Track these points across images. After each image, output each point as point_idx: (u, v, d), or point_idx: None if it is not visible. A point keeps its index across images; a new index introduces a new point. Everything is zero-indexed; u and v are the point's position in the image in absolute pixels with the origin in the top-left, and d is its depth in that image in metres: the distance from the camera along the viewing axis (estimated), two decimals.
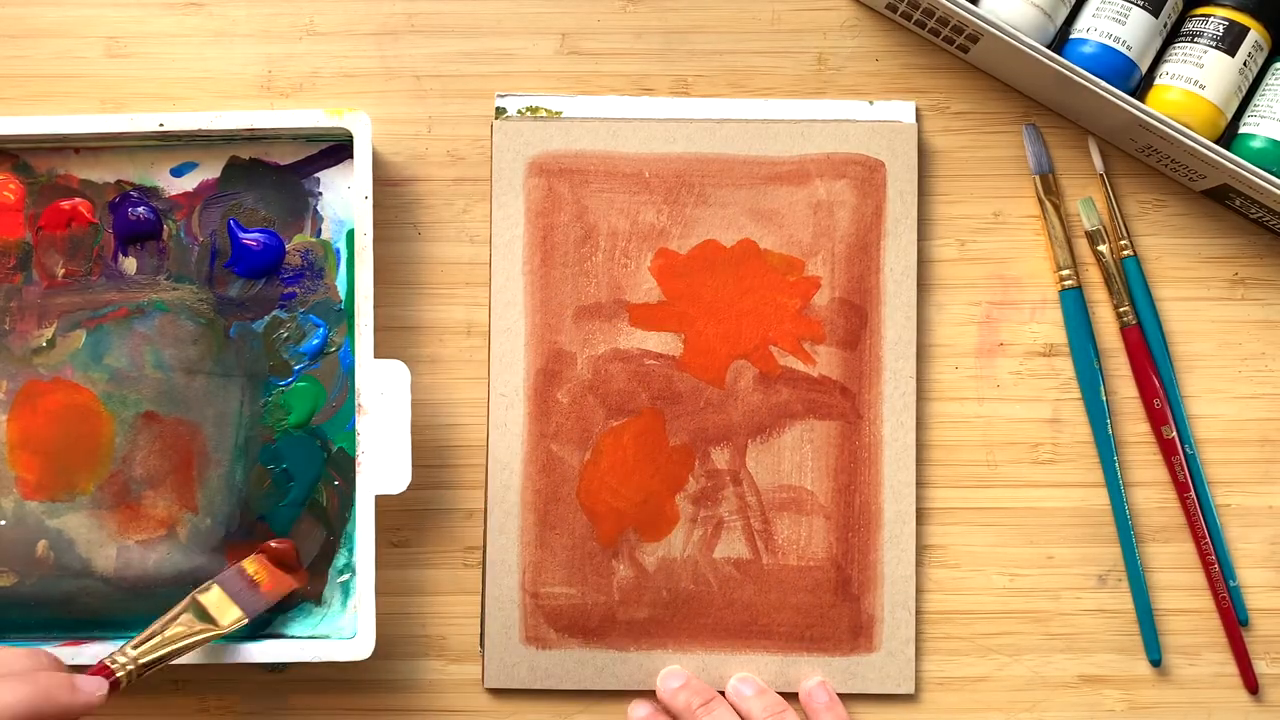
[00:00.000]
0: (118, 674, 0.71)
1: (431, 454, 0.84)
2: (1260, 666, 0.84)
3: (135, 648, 0.73)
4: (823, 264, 0.83)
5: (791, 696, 0.82)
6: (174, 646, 0.74)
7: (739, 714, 0.81)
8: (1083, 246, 0.84)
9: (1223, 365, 0.84)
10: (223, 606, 0.77)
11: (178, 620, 0.75)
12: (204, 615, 0.76)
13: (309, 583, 0.82)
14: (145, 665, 0.72)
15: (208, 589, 0.78)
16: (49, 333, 0.82)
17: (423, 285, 0.85)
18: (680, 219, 0.83)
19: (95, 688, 0.68)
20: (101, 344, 0.82)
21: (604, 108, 0.84)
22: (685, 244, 0.83)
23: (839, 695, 0.82)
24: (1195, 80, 0.79)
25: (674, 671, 0.82)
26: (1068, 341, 0.84)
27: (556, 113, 0.84)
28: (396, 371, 0.79)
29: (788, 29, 0.85)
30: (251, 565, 0.80)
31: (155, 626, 0.75)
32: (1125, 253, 0.84)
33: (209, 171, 0.83)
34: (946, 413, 0.84)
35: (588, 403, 0.83)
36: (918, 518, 0.83)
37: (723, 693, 0.82)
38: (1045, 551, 0.84)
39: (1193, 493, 0.83)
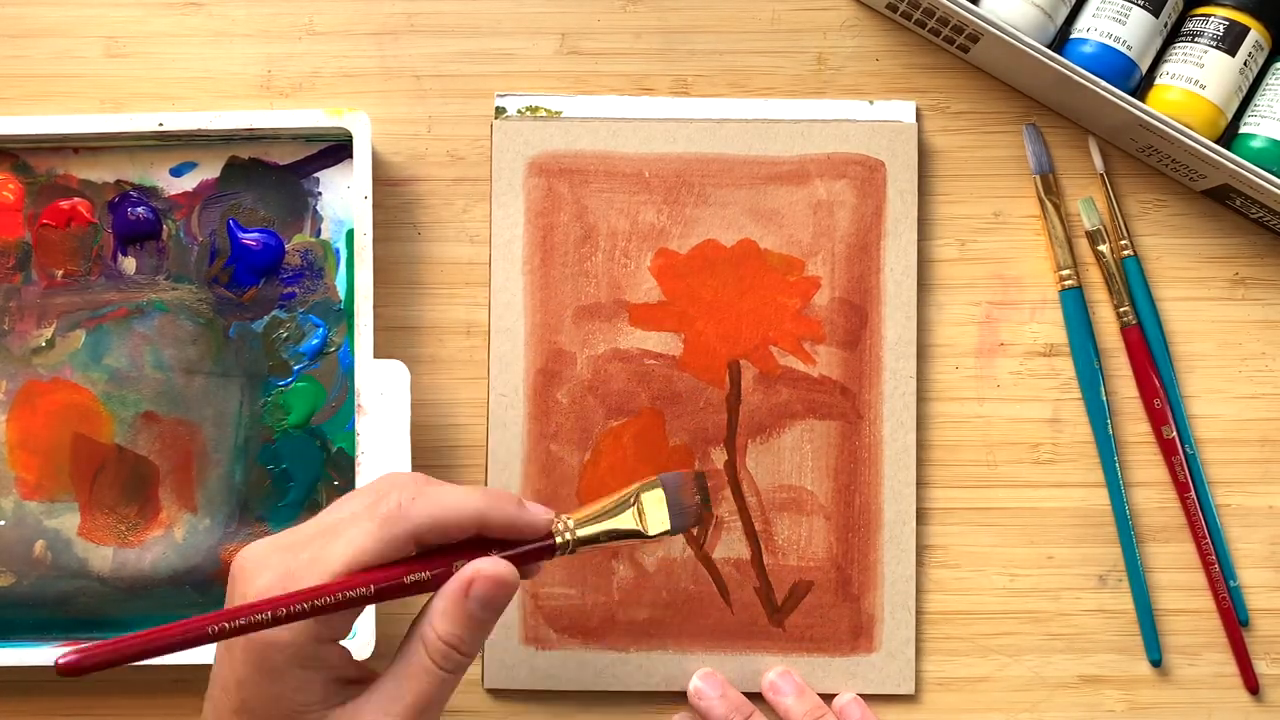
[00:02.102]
0: (556, 538, 0.67)
1: (431, 454, 0.84)
2: (1260, 666, 0.84)
3: (576, 520, 0.69)
4: (823, 264, 0.83)
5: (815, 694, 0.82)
6: (609, 529, 0.69)
7: (776, 713, 0.81)
8: (1083, 246, 0.84)
9: (1223, 365, 0.84)
10: (657, 511, 0.71)
11: (620, 510, 0.70)
12: (639, 513, 0.71)
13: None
14: (581, 540, 0.68)
15: (653, 485, 0.72)
16: (48, 333, 0.82)
17: (422, 285, 0.85)
18: (680, 219, 0.83)
19: (542, 514, 0.67)
20: (101, 344, 0.82)
21: (604, 107, 0.84)
22: (685, 244, 0.83)
23: (837, 695, 0.82)
24: (1195, 80, 0.79)
25: (708, 676, 0.82)
26: (1068, 341, 0.84)
27: (556, 112, 0.84)
28: (396, 371, 0.79)
29: (787, 29, 0.85)
30: (697, 477, 0.74)
31: (599, 508, 0.70)
32: (1125, 253, 0.84)
33: (208, 171, 0.83)
34: (946, 413, 0.84)
35: (587, 403, 0.83)
36: (918, 518, 0.83)
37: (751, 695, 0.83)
38: (1045, 551, 0.84)
39: (1193, 493, 0.83)
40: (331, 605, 0.61)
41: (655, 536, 0.71)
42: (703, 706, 0.82)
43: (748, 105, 0.84)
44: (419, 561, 0.64)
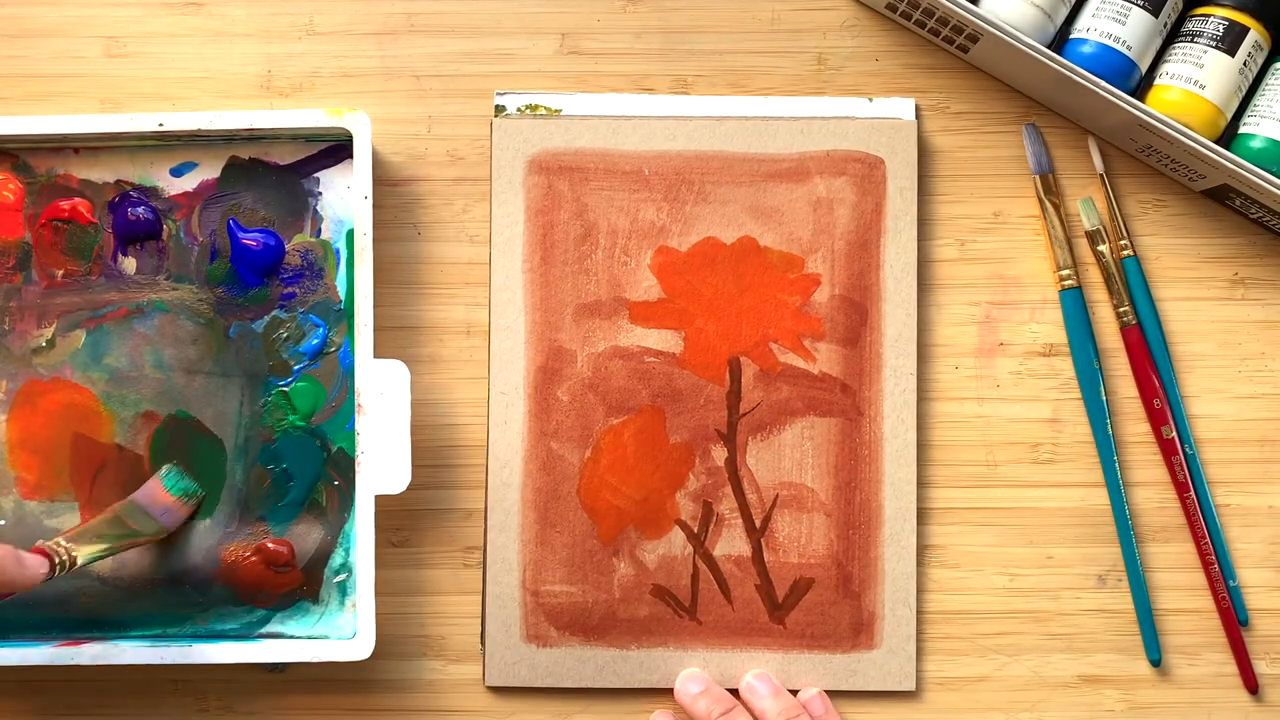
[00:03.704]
0: (55, 559, 0.73)
1: (431, 454, 0.84)
2: (1260, 666, 0.84)
3: (68, 540, 0.75)
4: (823, 261, 0.83)
5: (792, 692, 0.82)
6: (104, 545, 0.76)
7: (752, 714, 0.81)
8: (1083, 246, 0.85)
9: (1223, 365, 0.84)
10: (143, 518, 0.79)
11: (105, 522, 0.78)
12: (123, 524, 0.79)
13: (304, 582, 0.82)
14: (78, 558, 0.75)
15: (127, 501, 0.80)
16: (49, 333, 0.82)
17: (423, 285, 0.85)
18: (680, 216, 0.83)
19: (39, 565, 0.72)
20: (101, 344, 0.82)
21: (604, 105, 0.84)
22: (685, 241, 0.83)
23: (841, 694, 0.82)
24: (1195, 80, 0.79)
25: (693, 675, 0.82)
26: (1068, 341, 0.84)
27: (556, 110, 0.84)
28: (396, 371, 0.79)
29: (787, 29, 0.85)
30: (164, 478, 0.82)
31: (83, 526, 0.77)
32: (1125, 253, 0.84)
33: (209, 171, 0.83)
34: (946, 412, 0.84)
35: (588, 400, 0.83)
36: (918, 517, 0.83)
37: (736, 691, 0.83)
38: (1045, 551, 0.84)
39: (1193, 493, 0.83)
40: None
41: (151, 538, 0.79)
42: (686, 702, 0.82)
43: (747, 103, 0.84)
44: None
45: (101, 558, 0.76)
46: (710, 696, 0.81)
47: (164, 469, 0.81)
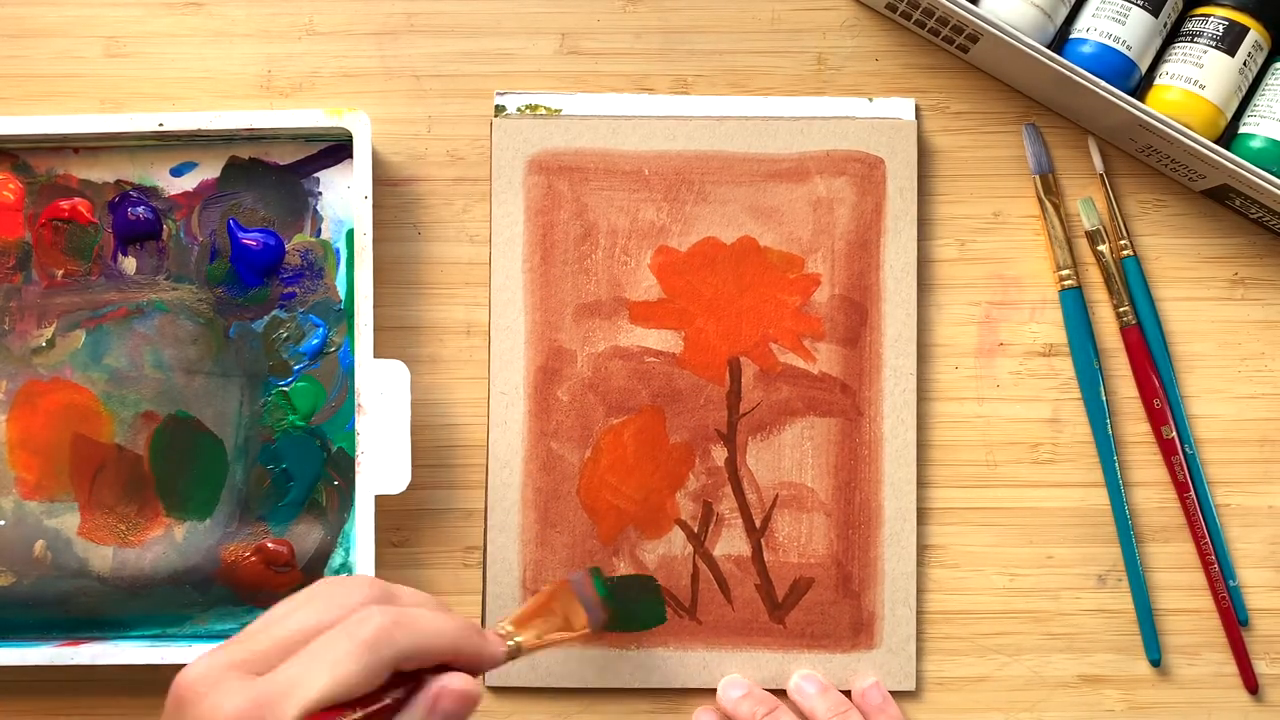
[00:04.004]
0: (509, 644, 0.69)
1: (431, 454, 0.84)
2: (1260, 666, 0.84)
3: (516, 627, 0.71)
4: (823, 261, 0.83)
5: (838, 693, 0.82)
6: (548, 641, 0.73)
7: (801, 713, 0.81)
8: (1083, 246, 0.85)
9: (1223, 365, 0.84)
10: (574, 609, 0.76)
11: (551, 612, 0.74)
12: (565, 621, 0.75)
13: (304, 582, 0.82)
14: (523, 649, 0.70)
15: (566, 584, 0.76)
16: (48, 333, 0.82)
17: (422, 285, 0.85)
18: (680, 216, 0.83)
19: (499, 646, 0.67)
20: (101, 344, 0.82)
21: (604, 105, 0.84)
22: (685, 241, 0.83)
23: (842, 691, 0.82)
24: (1195, 80, 0.79)
25: (734, 680, 0.83)
26: (1068, 341, 0.84)
27: (556, 110, 0.84)
28: (396, 371, 0.79)
29: (787, 29, 0.85)
30: (595, 578, 0.78)
31: (528, 611, 0.73)
32: (1125, 253, 0.84)
33: (208, 171, 0.83)
34: (946, 412, 0.84)
35: (588, 400, 0.83)
36: (918, 517, 0.83)
37: (782, 692, 0.83)
38: (1045, 551, 0.84)
39: (1193, 493, 0.83)
40: None
41: (578, 634, 0.75)
42: (729, 707, 0.82)
43: (747, 103, 0.84)
44: (388, 689, 0.61)
45: (539, 646, 0.73)
46: (753, 699, 0.81)
47: (592, 570, 0.78)
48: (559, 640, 0.73)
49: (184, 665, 0.63)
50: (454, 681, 0.61)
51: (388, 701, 0.60)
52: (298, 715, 0.56)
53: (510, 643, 0.69)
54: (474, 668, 0.64)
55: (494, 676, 0.83)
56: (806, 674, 0.83)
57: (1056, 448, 0.84)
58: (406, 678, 0.61)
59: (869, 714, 0.81)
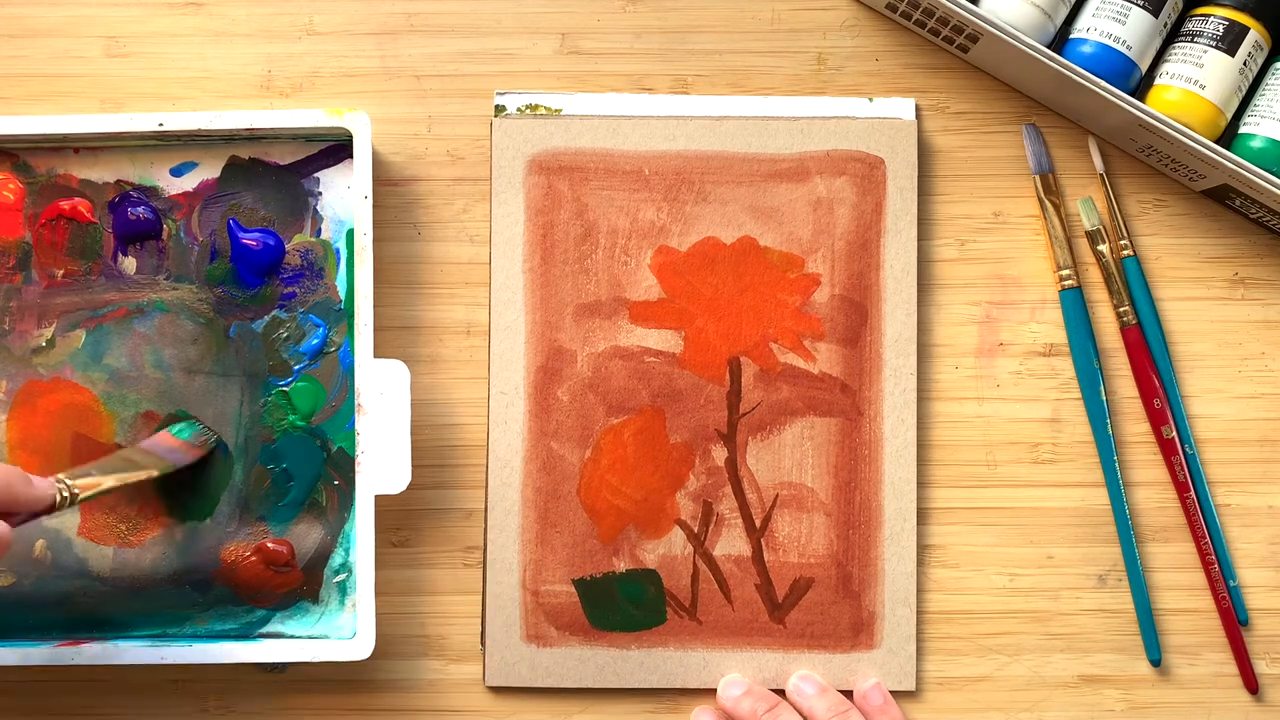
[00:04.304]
0: (58, 493, 0.71)
1: (431, 454, 0.84)
2: (1260, 666, 0.84)
3: (69, 476, 0.73)
4: (823, 261, 0.83)
5: (837, 693, 0.82)
6: (111, 478, 0.75)
7: (801, 714, 0.81)
8: (1083, 246, 0.85)
9: (1223, 365, 0.84)
10: (146, 457, 0.78)
11: (108, 460, 0.77)
12: (126, 461, 0.77)
13: (304, 582, 0.82)
14: (80, 491, 0.73)
15: (131, 446, 0.80)
16: (49, 333, 0.82)
17: (423, 285, 0.85)
18: (680, 216, 0.83)
19: (48, 488, 0.70)
20: (101, 344, 0.82)
21: (604, 105, 0.84)
22: (685, 241, 0.83)
23: (842, 692, 0.82)
24: (1195, 80, 0.79)
25: (734, 680, 0.82)
26: (1068, 341, 0.84)
27: (556, 110, 0.84)
28: (396, 371, 0.79)
29: (787, 29, 0.85)
30: (173, 429, 0.81)
31: (89, 466, 0.76)
32: (1125, 253, 0.84)
33: (209, 171, 0.83)
34: (946, 412, 0.84)
35: (588, 400, 0.83)
36: (918, 517, 0.83)
37: (782, 692, 0.83)
38: (1045, 551, 0.84)
39: (1193, 493, 0.83)
40: None
41: (158, 474, 0.77)
42: (729, 705, 0.82)
43: (747, 103, 0.84)
44: None
45: (105, 493, 0.74)
46: (753, 696, 0.81)
47: (175, 425, 0.82)
48: (127, 480, 0.76)
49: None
50: None
51: None
52: None
53: (58, 482, 0.71)
54: (18, 509, 0.69)
55: (494, 676, 0.83)
56: (804, 674, 0.83)
57: (1056, 448, 0.84)
58: None
59: (870, 715, 0.81)
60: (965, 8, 0.79)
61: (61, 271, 0.83)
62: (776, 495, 0.83)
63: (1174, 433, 0.83)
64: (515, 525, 0.83)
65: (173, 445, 0.80)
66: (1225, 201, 0.83)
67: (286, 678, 0.84)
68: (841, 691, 0.82)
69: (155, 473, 0.77)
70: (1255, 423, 0.84)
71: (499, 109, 0.84)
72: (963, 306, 0.84)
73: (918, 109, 0.85)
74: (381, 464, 0.79)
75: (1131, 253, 0.84)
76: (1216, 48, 0.79)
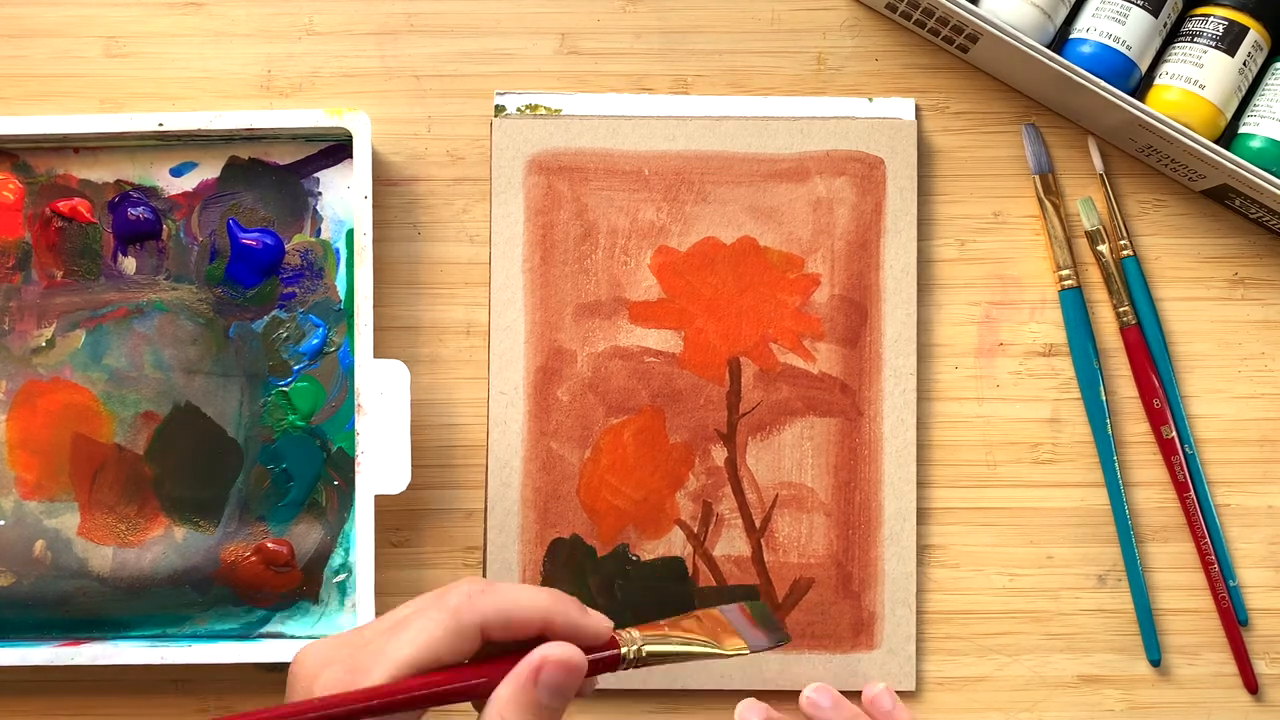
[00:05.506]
0: (622, 649, 0.63)
1: (431, 454, 0.84)
2: (1260, 666, 0.84)
3: (641, 632, 0.65)
4: (822, 261, 0.83)
5: (794, 694, 0.82)
6: (679, 648, 0.66)
7: None
8: (1083, 246, 0.85)
9: (1223, 365, 0.84)
10: (723, 631, 0.69)
11: (685, 624, 0.68)
12: (711, 631, 0.68)
13: (304, 582, 0.82)
14: (650, 655, 0.64)
15: (718, 609, 0.70)
16: (48, 333, 0.82)
17: (422, 285, 0.85)
18: (680, 216, 0.83)
19: (604, 622, 0.63)
20: (101, 344, 0.82)
21: (604, 105, 0.84)
22: (685, 241, 0.83)
23: (843, 694, 0.82)
24: (1195, 80, 0.79)
25: (751, 704, 0.76)
26: (1067, 341, 0.84)
27: (556, 110, 0.84)
28: (396, 371, 0.79)
29: (787, 29, 0.85)
30: (750, 609, 0.72)
31: (663, 623, 0.67)
32: (1125, 253, 0.84)
33: (208, 171, 0.83)
34: (946, 412, 0.84)
35: (588, 400, 0.83)
36: (918, 517, 0.83)
37: (782, 692, 0.82)
38: (1045, 551, 0.84)
39: (1192, 493, 0.83)
40: (399, 704, 0.58)
41: (731, 655, 0.68)
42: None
43: (747, 103, 0.84)
44: (484, 664, 0.61)
45: (669, 658, 0.65)
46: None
47: (751, 604, 0.72)
48: (694, 653, 0.67)
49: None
50: (554, 650, 0.60)
51: (472, 681, 0.60)
52: (385, 677, 0.58)
53: (625, 634, 0.64)
54: (573, 641, 0.62)
55: None
56: (819, 686, 0.81)
57: (1056, 448, 0.84)
58: (511, 659, 0.61)
59: None
60: (965, 8, 0.79)
61: (61, 272, 0.83)
62: (776, 495, 0.83)
63: (1174, 433, 0.83)
64: (515, 525, 0.83)
65: (747, 623, 0.70)
66: (1225, 201, 0.83)
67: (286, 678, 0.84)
68: (843, 692, 0.82)
69: (723, 655, 0.68)
70: (1255, 423, 0.84)
71: (499, 109, 0.84)
72: (962, 306, 0.84)
73: (918, 109, 0.85)
74: (381, 464, 0.79)
75: (1131, 253, 0.84)
76: (1216, 48, 0.79)
